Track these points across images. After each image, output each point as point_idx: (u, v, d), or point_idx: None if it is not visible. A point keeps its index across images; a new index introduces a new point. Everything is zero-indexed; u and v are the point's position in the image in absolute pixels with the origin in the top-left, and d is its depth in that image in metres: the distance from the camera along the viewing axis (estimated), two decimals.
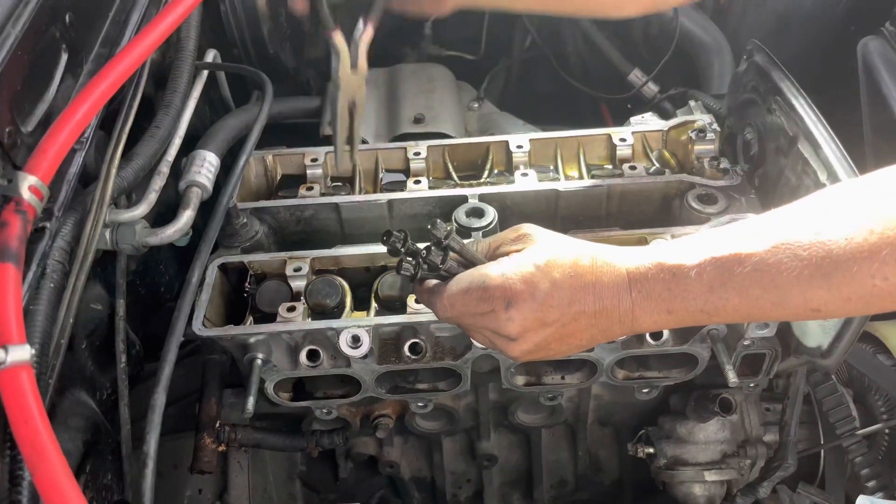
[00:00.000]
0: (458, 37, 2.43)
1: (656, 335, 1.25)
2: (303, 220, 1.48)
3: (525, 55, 2.39)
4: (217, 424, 1.36)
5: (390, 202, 1.44)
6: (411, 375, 1.37)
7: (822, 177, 1.20)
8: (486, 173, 1.55)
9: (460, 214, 1.39)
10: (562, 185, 1.43)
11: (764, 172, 1.40)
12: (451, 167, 1.57)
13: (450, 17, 2.42)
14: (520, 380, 1.35)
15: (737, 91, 1.50)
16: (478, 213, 1.38)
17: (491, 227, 1.37)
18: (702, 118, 1.55)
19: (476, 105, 2.10)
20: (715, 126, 1.52)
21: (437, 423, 1.56)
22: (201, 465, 1.32)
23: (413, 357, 1.26)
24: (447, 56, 2.39)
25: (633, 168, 1.47)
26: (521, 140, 1.55)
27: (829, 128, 1.21)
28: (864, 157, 1.79)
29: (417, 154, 1.55)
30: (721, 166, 1.44)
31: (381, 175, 1.59)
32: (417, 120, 1.91)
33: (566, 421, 1.63)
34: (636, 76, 2.07)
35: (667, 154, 1.58)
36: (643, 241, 1.31)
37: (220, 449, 1.35)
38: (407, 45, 2.43)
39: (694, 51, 2.03)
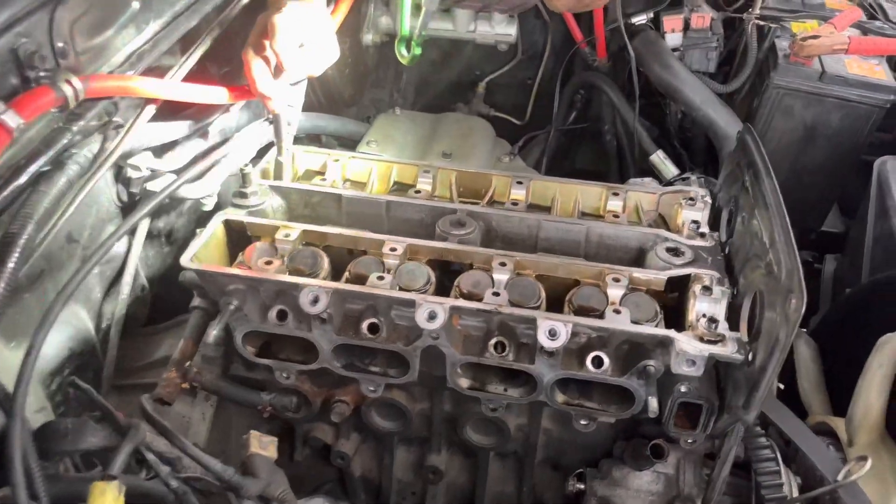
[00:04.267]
0: (507, 101, 2.63)
1: (598, 362, 1.32)
2: (310, 204, 1.64)
3: (565, 127, 2.55)
4: (187, 363, 1.48)
5: (388, 203, 1.58)
6: (367, 357, 1.46)
7: (767, 243, 1.28)
8: (485, 201, 1.67)
9: (444, 223, 1.51)
10: (544, 217, 1.54)
11: (732, 242, 1.48)
12: (454, 191, 1.70)
13: (502, 83, 2.67)
14: (464, 382, 1.43)
15: (727, 166, 1.59)
16: (460, 223, 1.50)
17: (470, 235, 1.49)
18: (697, 190, 1.64)
19: (507, 159, 2.24)
20: (707, 198, 1.61)
21: (391, 423, 1.63)
22: (162, 395, 1.43)
23: (369, 335, 1.37)
24: (494, 116, 2.59)
25: (616, 216, 1.58)
26: (523, 178, 1.68)
27: (783, 205, 1.27)
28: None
29: (427, 172, 1.69)
30: (700, 230, 1.53)
31: (391, 185, 1.74)
32: (445, 155, 2.07)
33: (516, 453, 1.68)
34: (658, 157, 2.18)
35: (661, 219, 1.67)
36: (601, 276, 1.40)
37: (184, 385, 1.47)
38: (461, 101, 2.65)
39: (718, 142, 2.14)
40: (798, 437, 1.30)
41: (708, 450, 1.49)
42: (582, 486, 1.49)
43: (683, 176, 2.09)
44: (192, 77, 1.58)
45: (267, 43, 1.49)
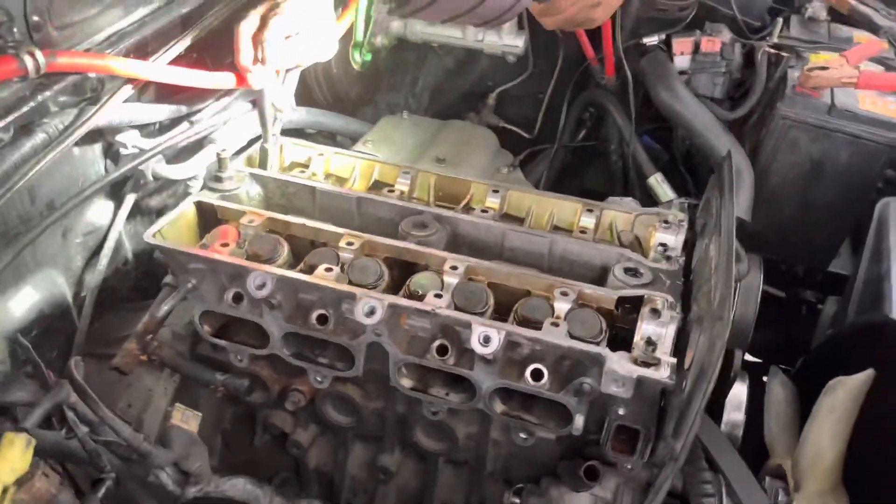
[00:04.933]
0: (518, 114, 2.63)
1: (537, 375, 1.30)
2: (287, 195, 1.67)
3: (571, 144, 2.52)
4: (149, 337, 1.53)
5: (359, 199, 1.60)
6: (318, 349, 1.48)
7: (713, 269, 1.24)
8: (460, 207, 1.67)
9: (407, 224, 1.53)
10: (510, 227, 1.53)
11: (694, 268, 1.44)
12: (432, 194, 1.71)
13: (514, 95, 2.68)
14: (406, 382, 1.42)
15: (706, 193, 1.56)
16: (423, 224, 1.51)
17: (430, 238, 1.50)
18: (676, 214, 1.61)
19: (505, 171, 2.23)
20: (683, 223, 1.58)
21: (344, 418, 1.64)
22: (119, 364, 1.48)
23: (317, 325, 1.38)
24: (503, 128, 2.59)
25: (583, 232, 1.56)
26: (500, 187, 1.67)
27: (733, 231, 1.23)
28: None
29: (406, 173, 1.71)
30: (667, 253, 1.49)
31: (371, 184, 1.76)
32: (438, 160, 2.08)
33: (468, 463, 1.66)
34: (656, 180, 2.14)
35: (636, 240, 1.64)
36: (551, 289, 1.38)
37: (142, 358, 1.51)
38: (472, 111, 2.66)
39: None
40: (733, 474, 1.26)
41: (651, 479, 1.45)
42: (517, 501, 1.47)
43: (681, 200, 2.05)
44: (189, 65, 1.64)
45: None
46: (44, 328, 1.56)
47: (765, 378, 1.95)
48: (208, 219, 1.58)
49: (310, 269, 1.43)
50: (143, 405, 1.73)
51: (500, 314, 1.41)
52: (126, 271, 1.79)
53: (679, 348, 1.32)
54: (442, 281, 1.40)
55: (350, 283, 1.39)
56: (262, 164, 1.70)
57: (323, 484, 1.81)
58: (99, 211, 1.67)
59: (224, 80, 1.56)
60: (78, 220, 1.61)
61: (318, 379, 1.50)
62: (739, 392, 1.61)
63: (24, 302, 1.50)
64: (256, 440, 1.80)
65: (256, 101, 1.64)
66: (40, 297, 1.54)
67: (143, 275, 1.90)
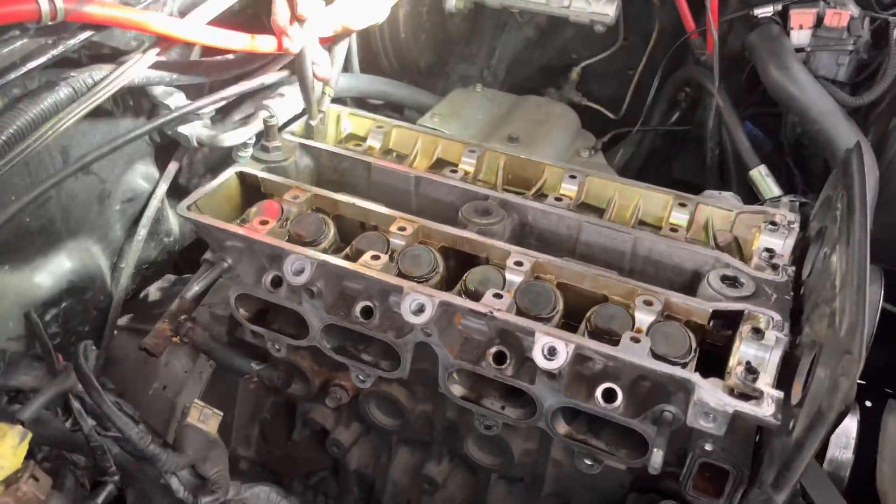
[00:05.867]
0: (603, 91, 2.40)
1: (609, 396, 1.11)
2: (339, 170, 1.51)
3: (661, 128, 2.28)
4: (182, 318, 1.41)
5: (418, 178, 1.43)
6: (361, 344, 1.33)
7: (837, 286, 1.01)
8: (531, 192, 1.48)
9: (468, 210, 1.34)
10: (587, 219, 1.33)
11: (807, 281, 1.20)
12: (500, 177, 1.52)
13: (600, 71, 2.45)
14: (457, 389, 1.25)
15: (825, 191, 1.31)
16: (486, 211, 1.33)
17: (494, 226, 1.31)
18: (784, 213, 1.37)
19: (586, 154, 2.01)
20: (794, 225, 1.34)
21: (389, 420, 1.49)
22: (149, 345, 1.36)
23: (361, 319, 1.23)
24: (586, 106, 2.37)
25: (674, 230, 1.34)
26: (577, 173, 1.47)
27: (867, 244, 0.99)
28: None
29: (472, 151, 1.52)
30: (773, 260, 1.26)
31: (433, 161, 1.59)
32: (511, 139, 1.88)
33: (522, 480, 1.48)
34: (759, 173, 1.87)
35: (736, 242, 1.41)
36: (632, 295, 1.18)
37: (174, 339, 1.39)
38: (552, 86, 2.44)
39: (834, 164, 1.80)
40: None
41: None
42: None
43: (777, 197, 1.79)
44: (245, 24, 1.49)
45: None
46: (75, 300, 1.46)
47: (868, 403, 1.69)
48: (251, 192, 1.44)
49: (356, 255, 1.26)
50: (178, 388, 1.62)
51: (570, 320, 1.21)
52: (169, 243, 1.67)
53: (783, 377, 1.10)
54: (504, 278, 1.22)
55: (399, 273, 1.22)
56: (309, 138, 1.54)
57: (363, 487, 1.67)
58: (140, 177, 1.55)
59: (265, 43, 1.39)
60: (117, 186, 1.50)
61: (361, 378, 1.35)
62: (849, 428, 1.37)
63: (54, 272, 1.40)
64: (295, 434, 1.67)
65: (296, 70, 1.47)
66: (72, 266, 1.43)
67: (195, 245, 1.79)
